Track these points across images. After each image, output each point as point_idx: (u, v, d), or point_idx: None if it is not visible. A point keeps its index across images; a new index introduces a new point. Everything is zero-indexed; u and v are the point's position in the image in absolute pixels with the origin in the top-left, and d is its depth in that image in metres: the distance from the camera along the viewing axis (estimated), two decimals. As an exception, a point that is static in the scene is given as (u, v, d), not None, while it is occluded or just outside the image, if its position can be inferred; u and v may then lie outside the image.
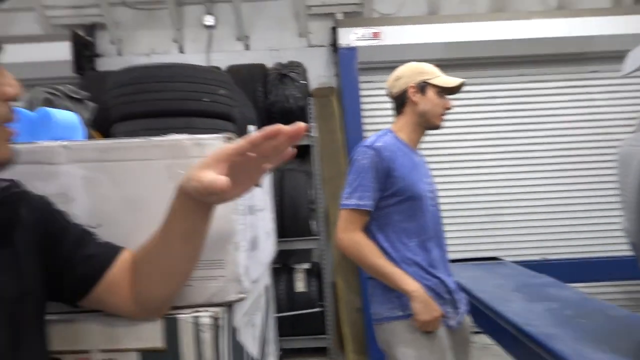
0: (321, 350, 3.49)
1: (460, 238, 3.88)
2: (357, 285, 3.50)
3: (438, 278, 1.70)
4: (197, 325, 0.76)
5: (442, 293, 1.70)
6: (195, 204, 0.67)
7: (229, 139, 0.82)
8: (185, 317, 0.76)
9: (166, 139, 0.81)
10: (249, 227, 0.90)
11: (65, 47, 3.60)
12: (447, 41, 3.77)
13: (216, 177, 0.61)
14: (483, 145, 4.02)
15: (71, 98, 2.47)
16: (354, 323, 3.45)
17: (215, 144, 0.80)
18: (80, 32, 3.82)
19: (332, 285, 3.61)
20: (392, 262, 1.67)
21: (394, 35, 3.76)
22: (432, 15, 4.00)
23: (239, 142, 0.65)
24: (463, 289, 1.94)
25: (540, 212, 4.02)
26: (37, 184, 0.75)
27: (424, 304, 1.61)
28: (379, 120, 3.84)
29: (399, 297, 1.65)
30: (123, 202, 0.79)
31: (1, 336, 0.60)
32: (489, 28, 3.78)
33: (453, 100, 1.80)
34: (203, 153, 0.80)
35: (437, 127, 1.80)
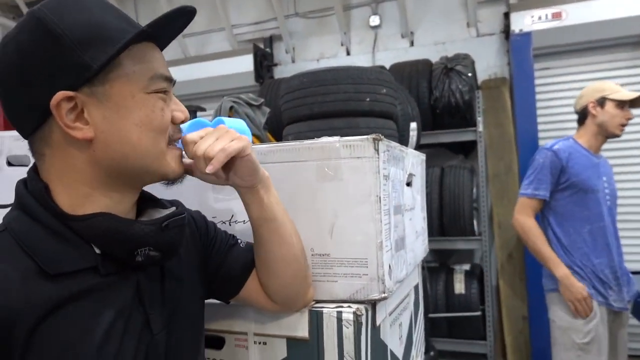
0: (479, 357, 3.29)
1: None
2: (523, 291, 3.20)
3: (606, 264, 2.06)
4: (339, 319, 0.80)
5: (606, 277, 2.06)
6: (238, 192, 0.74)
7: (376, 140, 0.83)
8: (329, 311, 0.81)
9: (317, 141, 0.86)
10: (394, 227, 0.90)
11: (248, 60, 4.06)
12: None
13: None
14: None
15: (250, 105, 2.78)
16: (520, 332, 3.17)
17: (363, 145, 0.83)
18: (260, 45, 4.26)
19: (495, 289, 3.37)
20: (562, 246, 2.10)
21: (579, 13, 3.30)
22: (631, -17, 3.40)
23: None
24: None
25: None
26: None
27: (568, 287, 2.02)
28: (556, 111, 3.43)
29: None
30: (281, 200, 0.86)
31: (190, 335, 0.73)
32: None
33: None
34: (352, 154, 0.83)
35: (616, 136, 2.16)
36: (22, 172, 1.12)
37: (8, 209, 1.17)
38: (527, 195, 2.14)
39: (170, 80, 0.66)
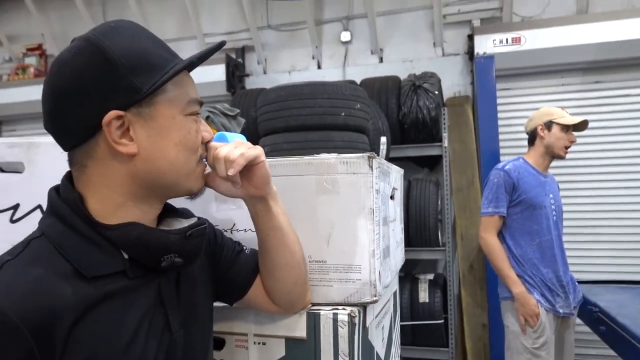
0: (444, 363, 3.43)
1: (605, 258, 3.50)
2: (484, 299, 3.37)
3: (553, 273, 2.27)
4: (335, 321, 0.87)
5: (553, 285, 2.28)
6: (248, 203, 0.81)
7: (371, 157, 0.91)
8: (326, 313, 0.88)
9: (316, 157, 0.93)
10: (382, 236, 0.98)
11: (220, 69, 4.10)
12: (599, 41, 3.45)
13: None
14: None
15: (226, 115, 2.82)
16: (479, 338, 3.33)
17: (359, 162, 0.90)
18: (232, 55, 4.31)
19: (457, 297, 3.52)
20: (514, 257, 2.30)
21: (536, 39, 3.55)
22: (581, 14, 3.69)
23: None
24: (603, 311, 2.40)
25: None
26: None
27: (523, 304, 2.23)
28: (515, 129, 3.65)
29: None
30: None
31: (202, 335, 0.79)
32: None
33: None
34: (348, 170, 0.91)
35: (561, 157, 2.40)
36: (15, 179, 1.14)
37: (3, 213, 1.18)
38: (489, 214, 2.34)
39: (201, 103, 0.73)
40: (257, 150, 0.75)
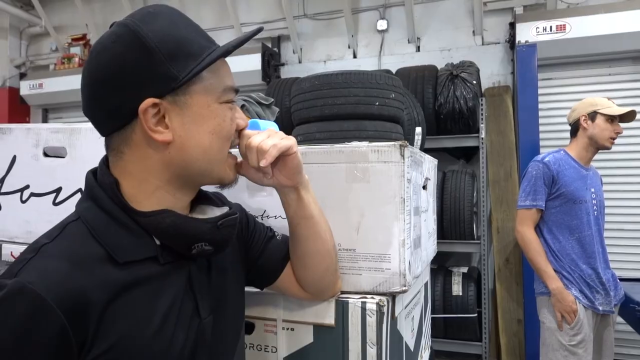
0: (474, 357, 3.38)
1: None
2: (519, 294, 3.29)
3: (592, 269, 2.19)
4: (364, 309, 0.87)
5: (593, 282, 2.19)
6: (279, 192, 0.81)
7: (402, 146, 0.90)
8: (354, 301, 0.88)
9: (347, 145, 0.93)
10: (413, 226, 0.97)
11: (256, 58, 4.12)
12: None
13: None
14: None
15: (260, 104, 2.85)
16: (514, 334, 3.26)
17: (390, 150, 0.89)
18: (268, 44, 4.33)
19: (492, 292, 3.45)
20: (552, 252, 2.23)
21: (582, 27, 3.39)
22: (630, 0, 3.50)
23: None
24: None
25: None
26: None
27: (560, 299, 2.17)
28: (556, 120, 3.52)
29: None
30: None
31: (233, 321, 0.80)
32: None
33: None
34: (379, 158, 0.90)
35: (606, 148, 2.28)
36: (58, 163, 1.19)
37: (44, 197, 1.23)
38: (527, 207, 2.27)
39: (237, 91, 0.73)
40: (290, 141, 0.75)
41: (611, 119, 2.24)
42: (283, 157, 0.75)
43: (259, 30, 0.75)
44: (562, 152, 2.33)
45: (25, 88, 5.11)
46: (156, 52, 0.63)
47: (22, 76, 5.34)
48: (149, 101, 0.63)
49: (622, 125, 2.29)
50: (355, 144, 0.91)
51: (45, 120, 5.38)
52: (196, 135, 0.67)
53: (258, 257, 0.86)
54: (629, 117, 2.26)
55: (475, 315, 3.20)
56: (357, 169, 0.90)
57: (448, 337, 3.27)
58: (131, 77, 0.63)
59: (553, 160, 2.25)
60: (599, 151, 2.32)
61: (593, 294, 2.20)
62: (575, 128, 2.35)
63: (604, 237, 2.30)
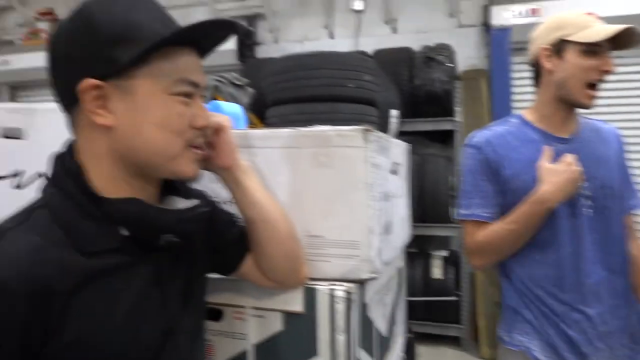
0: (454, 339, 3.45)
1: None
2: (497, 277, 3.35)
3: (577, 310, 1.22)
4: (332, 296, 0.86)
5: (579, 332, 1.22)
6: (219, 177, 0.81)
7: (367, 130, 0.88)
8: (322, 289, 0.87)
9: (312, 129, 0.90)
10: (383, 212, 0.96)
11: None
12: (625, 14, 3.29)
13: None
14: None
15: (234, 85, 2.78)
16: (491, 316, 3.33)
17: (354, 135, 0.87)
18: (244, 23, 4.23)
19: (470, 275, 3.51)
20: (518, 280, 1.34)
21: (557, 11, 3.40)
22: (607, -16, 3.51)
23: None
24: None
25: None
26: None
27: (551, 178, 1.18)
28: (530, 105, 3.55)
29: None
30: (274, 185, 0.91)
31: (198, 311, 0.79)
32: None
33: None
34: (345, 143, 0.88)
35: (583, 107, 1.27)
36: (17, 144, 1.13)
37: (3, 180, 1.18)
38: (462, 218, 1.31)
39: (196, 85, 0.68)
40: (222, 118, 0.76)
41: (590, 50, 1.22)
42: (216, 136, 0.75)
43: (225, 22, 0.70)
44: (515, 118, 1.41)
45: (-11, 65, 4.90)
46: (100, 33, 0.61)
47: (-15, 52, 5.11)
48: (89, 81, 0.61)
49: (621, 56, 1.37)
50: (319, 127, 0.89)
51: (13, 99, 5.17)
52: (137, 125, 0.64)
53: (219, 244, 0.83)
54: (625, 41, 1.23)
55: (457, 298, 3.25)
56: (322, 154, 0.88)
57: (428, 319, 3.31)
58: (72, 56, 0.63)
59: (488, 138, 1.33)
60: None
61: (577, 351, 1.23)
62: (536, 72, 1.36)
63: (618, 249, 1.29)
